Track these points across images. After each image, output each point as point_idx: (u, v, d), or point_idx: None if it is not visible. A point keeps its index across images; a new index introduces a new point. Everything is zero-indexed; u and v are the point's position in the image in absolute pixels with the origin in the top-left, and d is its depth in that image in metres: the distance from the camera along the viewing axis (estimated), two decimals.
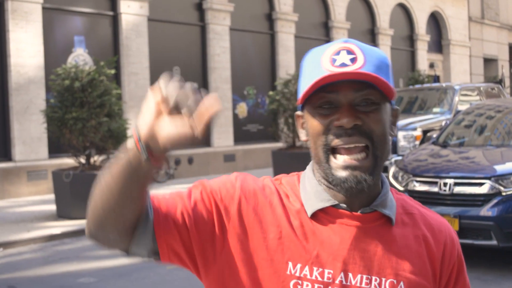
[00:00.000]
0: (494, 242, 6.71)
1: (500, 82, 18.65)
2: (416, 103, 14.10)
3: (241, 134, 18.11)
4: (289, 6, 19.48)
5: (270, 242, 1.38)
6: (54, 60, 13.65)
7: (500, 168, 7.04)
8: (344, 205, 1.40)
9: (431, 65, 26.46)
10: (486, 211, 6.73)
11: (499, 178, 6.84)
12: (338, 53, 1.36)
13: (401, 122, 12.12)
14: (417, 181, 7.40)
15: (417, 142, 11.66)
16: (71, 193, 10.24)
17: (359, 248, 1.38)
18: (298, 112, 1.47)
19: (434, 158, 8.05)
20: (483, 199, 6.86)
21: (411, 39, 25.76)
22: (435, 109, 13.18)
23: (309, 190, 1.43)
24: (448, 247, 1.47)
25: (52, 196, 11.72)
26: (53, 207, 11.08)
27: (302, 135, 1.47)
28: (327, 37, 21.23)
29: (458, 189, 7.01)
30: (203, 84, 17.18)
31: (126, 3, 15.15)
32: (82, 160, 10.74)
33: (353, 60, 1.35)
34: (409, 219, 1.46)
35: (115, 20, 15.21)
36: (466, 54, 28.79)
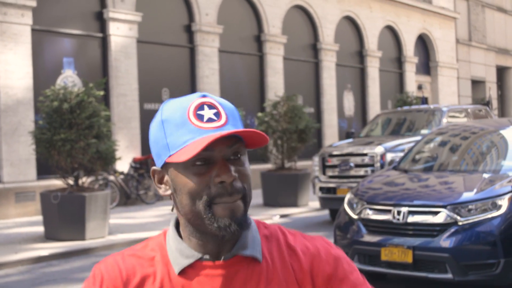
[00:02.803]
0: (449, 276, 6.09)
1: (488, 103, 18.77)
2: (404, 124, 14.15)
3: None
4: (277, 28, 19.60)
5: None
6: (43, 82, 13.65)
7: (457, 196, 6.45)
8: (207, 256, 1.47)
9: (419, 87, 26.63)
10: (441, 242, 6.14)
11: (456, 206, 6.26)
12: (201, 108, 1.43)
13: (390, 144, 12.15)
14: (371, 209, 6.81)
15: None
16: (59, 215, 10.18)
17: None
18: (156, 168, 1.50)
19: (391, 185, 7.43)
20: (439, 229, 6.24)
21: (399, 61, 25.94)
22: (423, 131, 13.23)
23: (174, 248, 1.49)
24: (315, 266, 1.50)
25: (40, 218, 11.65)
26: (41, 229, 11.01)
27: (162, 190, 1.50)
28: (315, 59, 21.34)
29: (412, 218, 6.41)
30: None
31: (115, 25, 15.20)
32: (71, 182, 10.70)
33: (217, 115, 1.43)
34: (276, 250, 1.52)
35: (104, 42, 15.24)
36: (454, 76, 29.00)
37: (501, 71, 33.93)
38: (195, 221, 1.43)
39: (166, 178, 1.47)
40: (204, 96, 1.44)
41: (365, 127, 15.42)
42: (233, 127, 1.42)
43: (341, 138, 21.22)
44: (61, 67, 14.41)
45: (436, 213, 6.31)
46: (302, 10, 20.92)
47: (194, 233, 1.46)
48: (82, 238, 10.15)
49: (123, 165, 14.99)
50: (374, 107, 23.72)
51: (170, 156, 1.41)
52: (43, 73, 14.05)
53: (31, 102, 13.33)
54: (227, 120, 1.42)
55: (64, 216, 10.16)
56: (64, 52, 14.57)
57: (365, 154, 12.00)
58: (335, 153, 12.33)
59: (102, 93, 11.00)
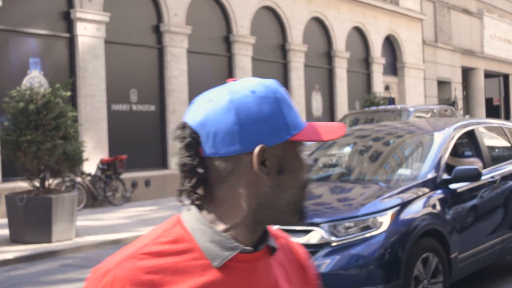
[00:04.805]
0: None
1: (453, 104, 19.00)
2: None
3: None
4: (246, 29, 19.61)
5: None
6: (9, 82, 13.48)
7: (336, 212, 5.56)
8: (250, 248, 1.35)
9: (387, 88, 26.85)
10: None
11: (333, 224, 5.35)
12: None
13: None
14: None
15: None
16: (25, 217, 10.07)
17: (262, 285, 1.39)
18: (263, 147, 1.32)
19: None
20: (311, 250, 5.29)
21: (367, 62, 26.13)
22: None
23: (208, 240, 1.34)
24: (307, 263, 1.51)
25: (5, 221, 11.51)
26: (6, 232, 10.87)
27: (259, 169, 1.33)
28: (284, 60, 21.40)
29: None
30: (161, 106, 17.14)
31: (83, 25, 15.07)
32: (37, 184, 10.58)
33: None
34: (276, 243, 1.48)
35: (71, 42, 15.10)
36: (421, 77, 29.30)
37: (466, 72, 34.36)
38: (284, 207, 1.34)
39: (265, 158, 1.32)
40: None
41: None
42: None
43: None
44: (27, 67, 14.25)
45: (308, 231, 5.36)
46: (271, 10, 20.97)
47: (252, 222, 1.34)
48: (49, 240, 10.04)
49: (90, 166, 14.86)
50: (342, 108, 23.86)
51: (294, 135, 1.32)
52: (9, 73, 13.87)
53: None
54: None
55: (30, 219, 10.05)
56: (30, 52, 14.40)
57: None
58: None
59: (69, 93, 10.92)
